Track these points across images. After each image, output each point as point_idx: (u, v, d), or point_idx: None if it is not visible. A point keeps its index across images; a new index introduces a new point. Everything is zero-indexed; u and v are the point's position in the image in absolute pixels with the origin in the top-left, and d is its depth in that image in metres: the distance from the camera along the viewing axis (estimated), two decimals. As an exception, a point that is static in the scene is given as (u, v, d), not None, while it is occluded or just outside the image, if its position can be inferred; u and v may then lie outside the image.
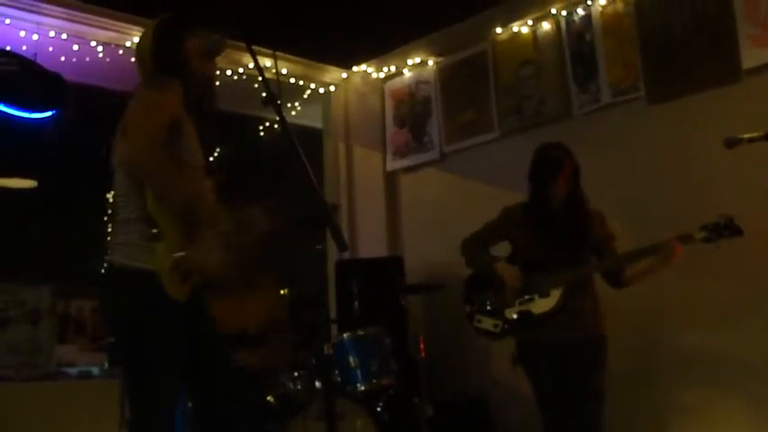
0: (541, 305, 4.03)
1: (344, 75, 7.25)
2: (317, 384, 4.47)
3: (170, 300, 2.69)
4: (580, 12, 5.61)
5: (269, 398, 4.36)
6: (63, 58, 5.80)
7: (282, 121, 2.72)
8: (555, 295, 4.00)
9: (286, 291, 5.05)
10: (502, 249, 4.30)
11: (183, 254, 2.69)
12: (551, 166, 4.06)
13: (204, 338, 2.88)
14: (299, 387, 4.51)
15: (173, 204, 2.71)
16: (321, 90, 7.26)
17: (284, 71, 6.70)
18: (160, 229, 2.69)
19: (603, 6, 5.47)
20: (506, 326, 4.14)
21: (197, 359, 2.84)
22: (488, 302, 4.21)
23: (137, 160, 2.65)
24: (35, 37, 5.57)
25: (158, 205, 2.69)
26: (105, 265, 2.85)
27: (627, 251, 4.06)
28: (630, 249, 4.05)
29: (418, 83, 6.70)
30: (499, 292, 4.17)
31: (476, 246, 4.30)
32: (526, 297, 4.07)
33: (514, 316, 4.11)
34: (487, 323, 4.21)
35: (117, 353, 2.90)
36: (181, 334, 2.75)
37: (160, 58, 2.91)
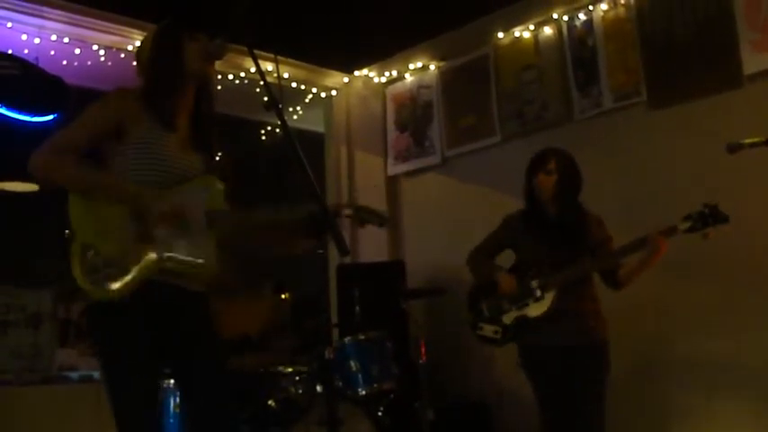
0: (536, 309, 4.05)
1: (346, 79, 7.26)
2: (319, 389, 4.47)
3: (106, 304, 2.68)
4: (582, 17, 5.61)
5: (270, 402, 4.36)
6: (65, 62, 5.81)
7: (284, 126, 2.72)
8: (548, 298, 4.01)
9: (287, 295, 5.05)
10: (508, 258, 4.31)
11: (93, 253, 2.68)
12: (535, 162, 4.09)
13: (193, 338, 2.86)
14: (300, 391, 4.51)
15: (96, 197, 2.73)
16: (323, 94, 7.27)
17: (286, 75, 6.71)
18: (72, 232, 2.71)
19: (605, 11, 5.48)
20: (505, 332, 4.17)
21: (187, 360, 2.84)
22: (486, 310, 4.24)
23: (31, 167, 2.75)
24: (37, 40, 5.58)
25: (76, 205, 2.73)
26: None
27: (613, 249, 4.06)
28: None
29: (420, 87, 6.71)
30: (495, 299, 4.20)
31: (480, 258, 4.33)
32: (521, 302, 4.09)
33: (512, 321, 4.14)
34: (488, 330, 4.25)
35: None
36: (134, 333, 2.72)
37: (158, 61, 2.91)
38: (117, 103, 2.82)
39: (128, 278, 2.68)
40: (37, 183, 2.84)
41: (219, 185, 2.96)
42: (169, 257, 2.75)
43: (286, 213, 2.91)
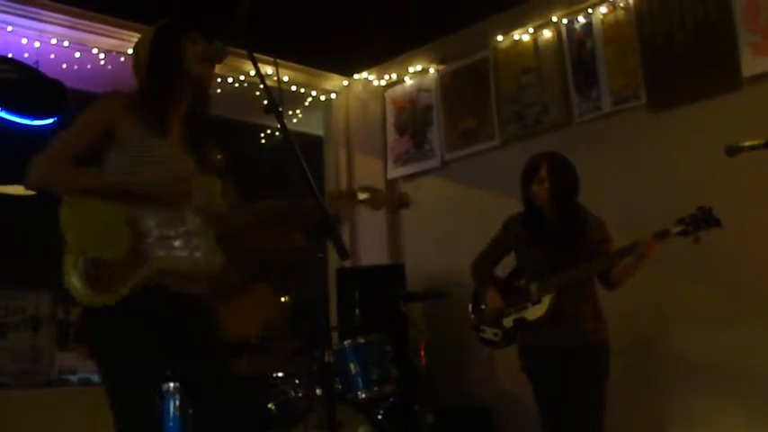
0: (534, 312, 4.06)
1: (346, 82, 7.26)
2: (318, 392, 4.46)
3: (107, 309, 2.65)
4: (581, 19, 5.62)
5: (270, 405, 4.35)
6: (64, 66, 5.81)
7: (284, 129, 2.72)
8: (546, 301, 4.02)
9: (287, 298, 5.04)
10: (512, 261, 4.32)
11: (90, 257, 2.66)
12: (527, 171, 4.11)
13: (197, 339, 2.84)
14: (299, 394, 4.50)
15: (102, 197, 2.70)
16: (322, 97, 7.27)
17: (285, 78, 6.72)
18: (65, 240, 2.70)
19: (604, 14, 5.49)
20: (505, 334, 4.20)
21: (193, 363, 2.82)
22: (486, 313, 4.26)
23: (30, 179, 2.74)
24: (37, 44, 5.59)
25: (68, 212, 2.72)
26: None
27: (610, 252, 4.06)
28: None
29: (419, 90, 6.71)
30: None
31: (480, 266, 4.37)
32: (520, 306, 4.10)
33: (511, 325, 4.16)
34: (489, 332, 4.29)
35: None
36: (136, 335, 2.70)
37: (155, 61, 2.86)
38: (111, 107, 2.79)
39: (128, 282, 2.65)
40: (33, 191, 2.81)
41: (216, 186, 2.94)
42: (167, 259, 2.73)
43: (284, 206, 2.95)
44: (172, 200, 2.75)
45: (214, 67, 2.94)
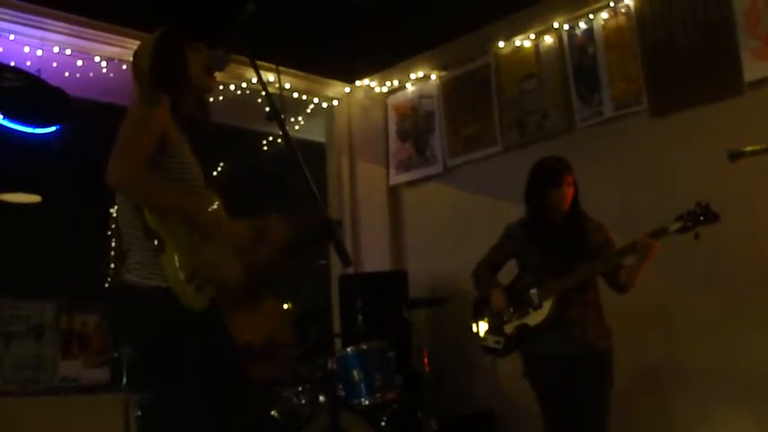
0: (535, 317, 4.06)
1: (347, 89, 7.27)
2: (321, 398, 4.47)
3: (190, 313, 2.62)
4: (582, 25, 5.63)
5: (273, 412, 4.35)
6: (67, 74, 5.81)
7: (286, 136, 2.72)
8: (547, 306, 4.02)
9: (290, 305, 5.05)
10: (513, 268, 4.32)
11: (199, 262, 2.65)
12: (554, 175, 4.05)
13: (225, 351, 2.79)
14: (303, 401, 4.51)
15: (168, 214, 2.68)
16: (324, 104, 7.27)
17: (287, 85, 6.72)
18: (161, 241, 2.64)
19: (606, 20, 5.49)
20: (507, 341, 4.17)
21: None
22: (488, 321, 4.25)
23: (120, 180, 2.63)
24: (39, 52, 5.59)
25: (155, 217, 2.65)
26: (120, 284, 2.78)
27: (608, 253, 4.06)
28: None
29: (421, 97, 6.72)
30: (495, 311, 4.22)
31: (482, 272, 4.36)
32: (521, 312, 4.09)
33: (512, 331, 4.14)
34: (491, 341, 4.27)
35: (148, 377, 2.80)
36: (211, 348, 2.66)
37: (159, 69, 2.78)
38: (166, 109, 2.75)
39: (207, 291, 2.68)
40: (128, 195, 2.74)
41: (218, 198, 2.92)
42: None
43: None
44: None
45: (215, 76, 2.93)
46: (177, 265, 2.64)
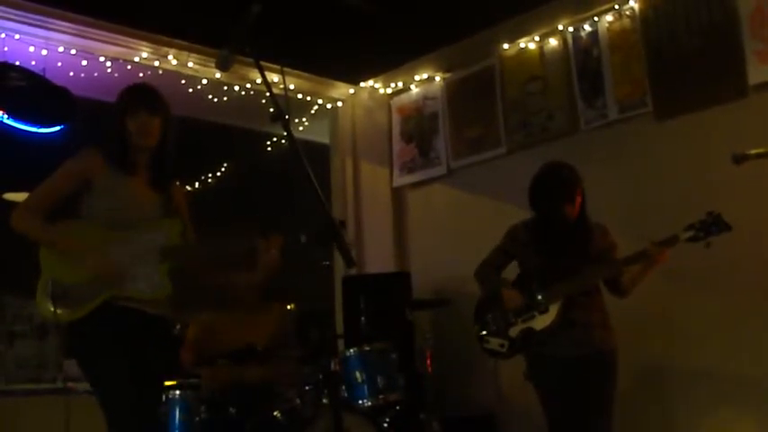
0: (542, 321, 4.03)
1: (352, 90, 7.27)
2: (324, 400, 4.46)
3: (81, 322, 3.18)
4: (587, 27, 5.62)
5: (276, 413, 4.35)
6: (71, 73, 5.83)
7: (290, 137, 2.73)
8: (554, 310, 4.00)
9: (293, 306, 5.05)
10: (514, 269, 4.30)
11: (54, 280, 3.21)
12: (568, 189, 4.01)
13: (150, 355, 3.27)
14: (305, 402, 4.50)
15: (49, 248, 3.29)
16: (328, 105, 7.28)
17: (292, 86, 6.72)
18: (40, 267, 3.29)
19: (610, 22, 5.49)
20: (511, 345, 4.14)
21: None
22: (492, 323, 4.21)
23: (11, 222, 3.27)
24: (44, 52, 5.61)
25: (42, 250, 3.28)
26: None
27: (617, 258, 4.06)
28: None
29: (425, 98, 6.72)
30: (500, 313, 4.18)
31: (487, 271, 4.30)
32: (527, 315, 4.07)
33: (518, 334, 4.11)
34: (494, 343, 4.21)
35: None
36: (109, 342, 3.16)
37: (108, 135, 3.38)
38: (86, 161, 3.32)
39: (92, 301, 3.16)
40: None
41: (177, 227, 3.34)
42: (127, 286, 3.20)
43: (226, 246, 3.37)
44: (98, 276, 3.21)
45: (155, 135, 3.33)
46: (44, 288, 3.26)
